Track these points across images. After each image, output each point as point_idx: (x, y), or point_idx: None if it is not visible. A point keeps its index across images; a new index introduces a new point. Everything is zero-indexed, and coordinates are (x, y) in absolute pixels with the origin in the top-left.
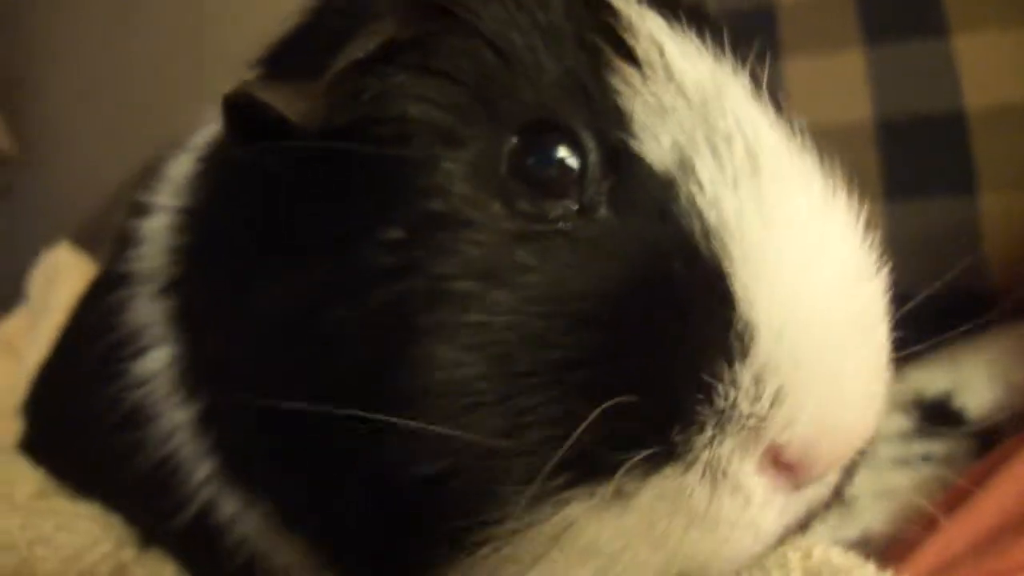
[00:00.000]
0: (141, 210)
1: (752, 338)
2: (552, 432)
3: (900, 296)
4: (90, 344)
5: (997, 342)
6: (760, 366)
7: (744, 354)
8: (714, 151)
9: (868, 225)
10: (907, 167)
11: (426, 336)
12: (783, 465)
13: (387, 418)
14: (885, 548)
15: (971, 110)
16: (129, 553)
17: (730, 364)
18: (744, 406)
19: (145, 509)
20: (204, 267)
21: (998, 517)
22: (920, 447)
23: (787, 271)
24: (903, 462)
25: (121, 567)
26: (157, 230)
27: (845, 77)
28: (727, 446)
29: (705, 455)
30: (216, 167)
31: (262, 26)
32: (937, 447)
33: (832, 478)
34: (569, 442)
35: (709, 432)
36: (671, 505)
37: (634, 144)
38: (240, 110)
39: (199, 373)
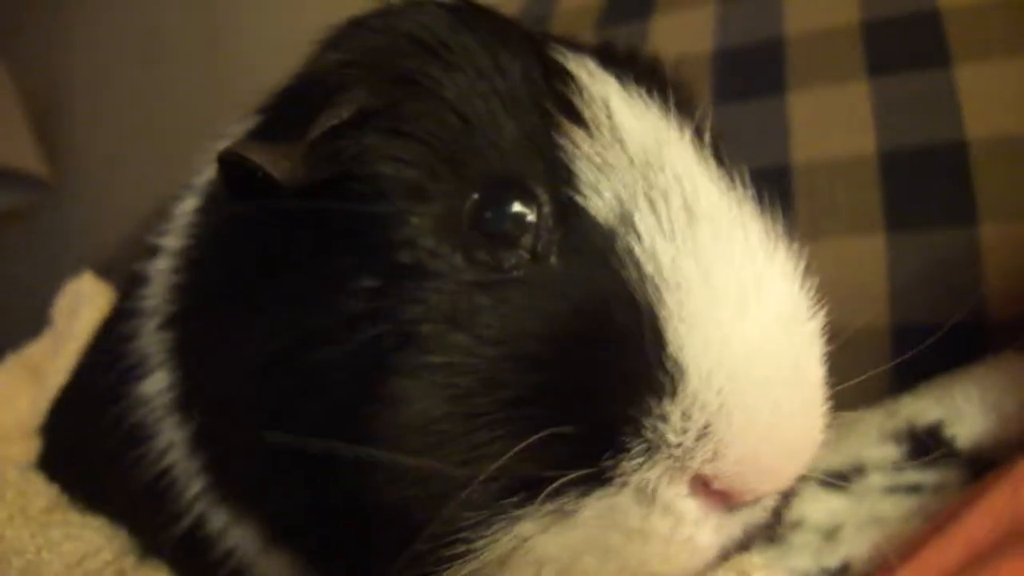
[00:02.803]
0: (151, 252)
1: (681, 378)
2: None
3: (903, 328)
4: (101, 370)
5: (990, 372)
6: (688, 404)
7: (673, 392)
8: (652, 204)
9: (806, 270)
10: (909, 199)
11: (394, 375)
12: (714, 491)
13: (360, 449)
14: None
15: (973, 140)
16: (129, 561)
17: (659, 401)
18: (671, 438)
19: (144, 520)
20: (199, 305)
21: (967, 548)
22: (910, 477)
23: (719, 316)
24: (892, 491)
25: (121, 573)
26: (162, 270)
27: (850, 110)
28: (655, 472)
29: (635, 478)
30: (212, 212)
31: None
32: (927, 477)
33: (769, 502)
34: (499, 464)
35: (639, 459)
36: (607, 522)
37: (579, 199)
38: (233, 166)
39: (192, 398)
